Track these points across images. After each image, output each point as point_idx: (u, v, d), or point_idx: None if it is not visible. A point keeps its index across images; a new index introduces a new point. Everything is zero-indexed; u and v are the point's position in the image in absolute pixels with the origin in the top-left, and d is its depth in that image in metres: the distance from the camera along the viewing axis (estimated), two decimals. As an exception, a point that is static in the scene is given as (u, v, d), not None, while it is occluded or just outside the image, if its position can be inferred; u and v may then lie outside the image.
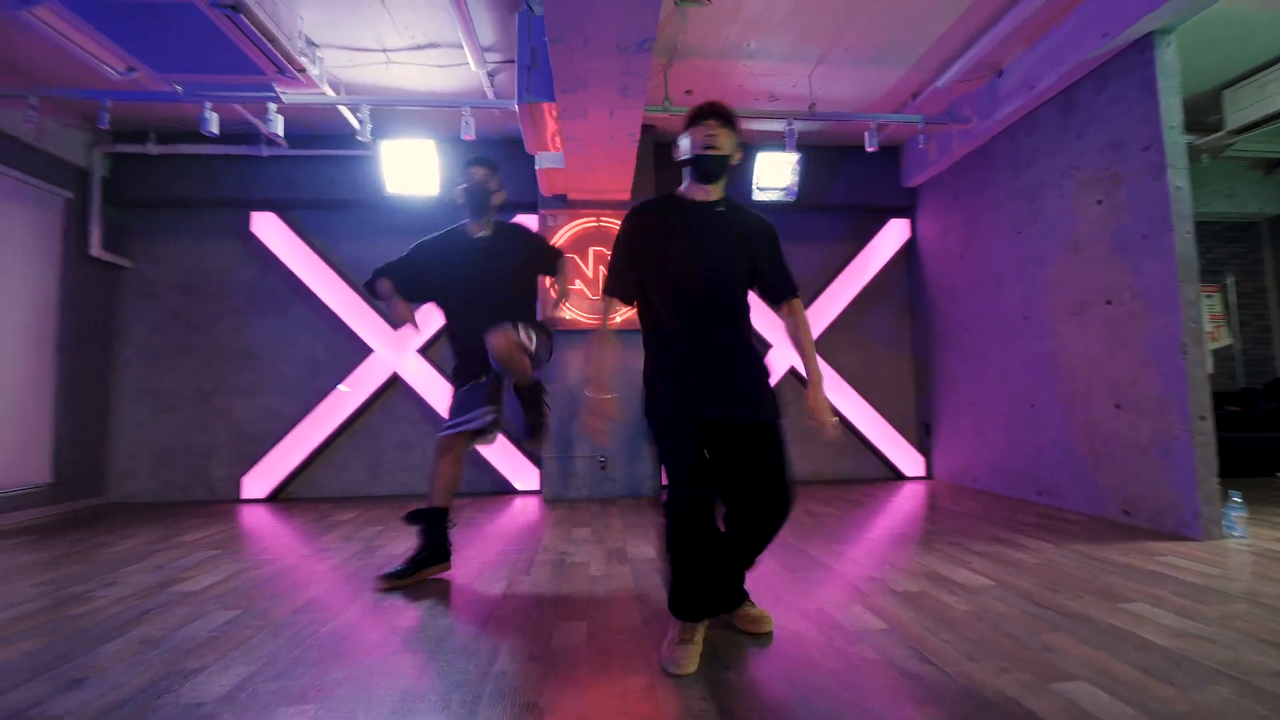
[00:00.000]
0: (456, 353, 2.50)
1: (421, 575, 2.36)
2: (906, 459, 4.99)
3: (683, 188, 1.81)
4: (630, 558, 2.71)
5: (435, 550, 2.39)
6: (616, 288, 1.78)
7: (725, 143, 1.72)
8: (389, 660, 1.67)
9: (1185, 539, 2.83)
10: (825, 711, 1.36)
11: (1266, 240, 5.79)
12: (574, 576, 2.44)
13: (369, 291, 2.54)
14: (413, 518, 2.39)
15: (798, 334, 1.82)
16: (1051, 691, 1.43)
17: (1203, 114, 4.42)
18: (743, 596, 1.86)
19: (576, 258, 4.51)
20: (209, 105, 3.49)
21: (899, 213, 5.18)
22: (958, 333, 4.61)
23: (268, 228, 4.67)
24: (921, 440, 5.05)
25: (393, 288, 2.47)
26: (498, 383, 2.44)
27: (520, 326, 2.32)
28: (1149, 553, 2.61)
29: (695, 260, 1.71)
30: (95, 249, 4.37)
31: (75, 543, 3.20)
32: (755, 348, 1.79)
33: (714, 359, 1.70)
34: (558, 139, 3.73)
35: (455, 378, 2.49)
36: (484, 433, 2.45)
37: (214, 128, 3.52)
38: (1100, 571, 2.36)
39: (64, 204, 4.23)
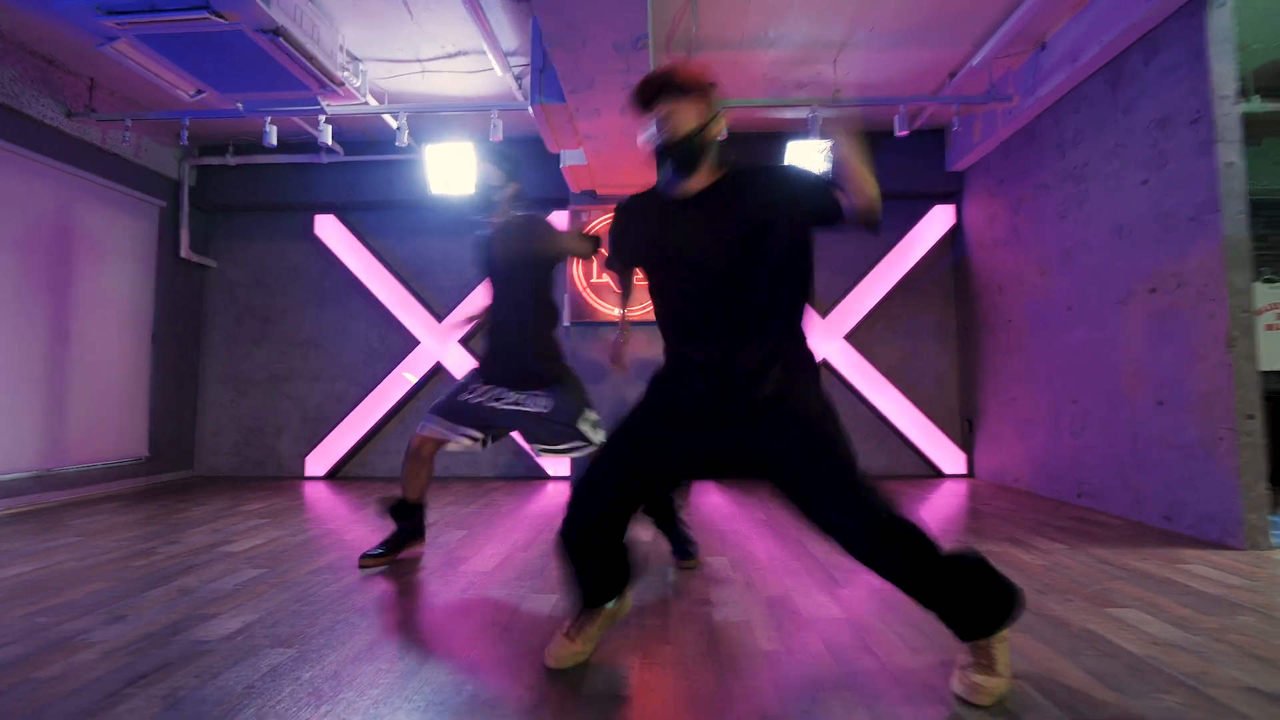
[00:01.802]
0: (486, 343, 2.43)
1: (398, 554, 2.45)
2: (946, 456, 4.78)
3: (661, 183, 1.50)
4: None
5: (411, 533, 2.49)
6: (614, 262, 1.69)
7: (689, 118, 1.39)
8: (370, 618, 1.86)
9: (1227, 548, 2.60)
10: (747, 693, 1.42)
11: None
12: (566, 555, 2.57)
13: None
14: (386, 509, 2.48)
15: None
16: (981, 687, 1.41)
17: (1297, 78, 3.94)
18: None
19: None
20: (269, 120, 3.88)
21: (944, 198, 4.94)
22: (1002, 325, 4.37)
23: (329, 229, 5.09)
24: (965, 437, 4.83)
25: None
26: (494, 403, 2.33)
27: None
28: (1174, 560, 2.43)
29: (678, 275, 1.45)
30: (185, 251, 4.93)
31: (160, 508, 3.68)
32: (786, 354, 1.44)
33: (711, 379, 1.43)
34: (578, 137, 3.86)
35: (477, 369, 2.41)
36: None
37: (274, 140, 3.91)
38: (1106, 576, 2.23)
39: (159, 212, 4.80)
